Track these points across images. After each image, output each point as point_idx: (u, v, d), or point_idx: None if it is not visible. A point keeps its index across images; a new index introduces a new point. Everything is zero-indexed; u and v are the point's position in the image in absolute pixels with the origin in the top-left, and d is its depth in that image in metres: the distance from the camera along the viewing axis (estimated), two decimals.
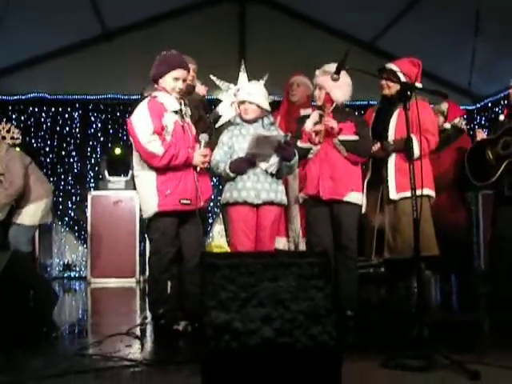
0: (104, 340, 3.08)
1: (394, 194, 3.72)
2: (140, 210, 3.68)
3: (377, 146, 3.77)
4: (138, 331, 3.34)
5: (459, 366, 2.28)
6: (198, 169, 3.37)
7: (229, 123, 3.85)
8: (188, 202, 3.30)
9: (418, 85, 3.76)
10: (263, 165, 3.47)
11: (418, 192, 3.63)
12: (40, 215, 5.10)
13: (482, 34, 6.26)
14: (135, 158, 3.37)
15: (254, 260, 1.86)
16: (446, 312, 4.26)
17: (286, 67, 5.16)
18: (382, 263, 4.61)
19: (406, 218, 3.52)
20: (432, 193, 3.82)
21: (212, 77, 4.23)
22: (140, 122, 3.23)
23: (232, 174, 3.46)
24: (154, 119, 3.22)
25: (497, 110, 7.49)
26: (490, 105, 7.72)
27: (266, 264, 1.84)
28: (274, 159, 3.48)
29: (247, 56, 7.34)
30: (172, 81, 3.35)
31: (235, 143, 3.55)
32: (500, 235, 4.40)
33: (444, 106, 4.96)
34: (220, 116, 4.29)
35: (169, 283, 3.39)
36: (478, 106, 7.91)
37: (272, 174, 3.52)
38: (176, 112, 3.35)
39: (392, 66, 3.75)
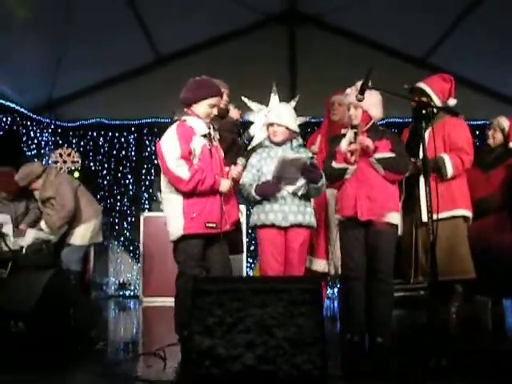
0: (129, 359, 3.13)
1: (425, 217, 3.57)
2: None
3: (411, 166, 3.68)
4: (163, 352, 3.36)
5: None
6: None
7: (260, 145, 3.87)
8: (213, 225, 3.33)
9: (452, 101, 3.67)
10: (289, 188, 3.46)
11: (452, 213, 3.57)
12: (89, 235, 5.32)
13: None
14: (163, 181, 3.44)
15: (244, 285, 1.85)
16: (485, 340, 4.03)
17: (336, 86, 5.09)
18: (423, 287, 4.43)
19: (440, 241, 3.40)
20: (468, 213, 3.70)
21: (244, 98, 4.26)
22: (168, 146, 3.30)
23: (258, 198, 3.48)
24: (182, 143, 3.29)
25: None
26: None
27: (256, 289, 1.82)
28: (301, 182, 3.46)
29: (298, 78, 7.39)
30: (207, 107, 3.41)
31: (264, 166, 3.56)
32: None
33: (505, 123, 4.63)
34: (252, 137, 4.32)
35: None
36: None
37: (300, 197, 3.50)
38: (204, 136, 3.41)
39: (422, 85, 3.72)
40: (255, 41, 7.27)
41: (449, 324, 3.60)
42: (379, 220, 3.53)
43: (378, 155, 3.55)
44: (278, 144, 3.60)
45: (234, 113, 4.11)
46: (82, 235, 5.29)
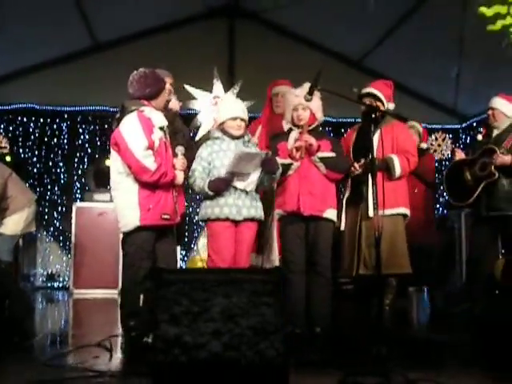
0: (74, 351, 3.09)
1: (372, 212, 3.73)
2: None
3: (359, 165, 3.81)
4: (108, 343, 3.35)
5: None
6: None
7: (208, 134, 3.87)
8: (168, 216, 3.36)
9: (391, 105, 3.88)
10: (240, 184, 3.51)
11: (395, 211, 3.76)
12: (22, 225, 5.11)
13: (467, 55, 6.36)
14: (115, 170, 3.39)
15: (208, 276, 1.90)
16: (415, 329, 4.30)
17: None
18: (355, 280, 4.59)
19: (384, 236, 3.55)
20: (407, 211, 3.88)
21: (186, 86, 4.21)
22: (133, 135, 3.26)
23: (210, 193, 3.50)
24: (147, 134, 3.27)
25: (481, 129, 7.59)
26: (475, 124, 7.83)
27: (220, 280, 1.88)
28: (253, 178, 3.52)
29: (236, 71, 7.46)
30: (164, 99, 3.49)
31: (215, 159, 3.57)
32: (476, 254, 4.47)
33: (419, 127, 5.07)
34: (199, 126, 4.30)
35: (141, 296, 3.41)
36: (464, 125, 8.02)
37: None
38: (161, 128, 3.40)
39: (373, 89, 3.91)
40: (195, 32, 7.26)
41: (383, 315, 3.77)
42: (319, 215, 3.68)
43: (320, 154, 3.69)
44: (233, 137, 3.64)
45: (174, 104, 4.05)
46: (14, 224, 5.06)
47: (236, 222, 3.54)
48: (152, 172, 3.24)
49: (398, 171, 3.76)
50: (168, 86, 3.82)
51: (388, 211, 3.64)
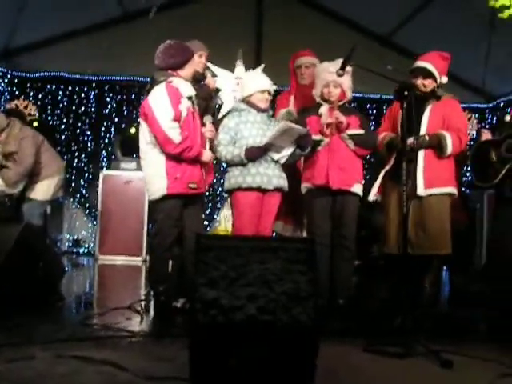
0: (107, 312, 3.24)
1: (421, 190, 3.63)
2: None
3: (410, 140, 3.54)
4: (139, 306, 3.49)
5: (435, 354, 2.41)
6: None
7: (230, 112, 3.93)
8: (195, 186, 3.43)
9: (444, 79, 3.75)
10: (275, 155, 3.60)
11: (443, 190, 3.67)
12: (52, 191, 5.28)
13: (496, 34, 6.27)
14: (143, 140, 3.47)
15: (245, 243, 1.99)
16: (438, 306, 4.37)
17: None
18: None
19: (433, 215, 3.60)
20: (455, 191, 3.78)
21: (209, 64, 4.21)
22: (161, 107, 3.33)
23: (246, 161, 3.57)
24: (174, 105, 3.34)
25: (509, 110, 7.52)
26: (502, 105, 7.75)
27: (256, 247, 1.97)
28: (287, 151, 3.60)
29: (263, 45, 7.46)
30: (191, 69, 3.53)
31: (243, 130, 3.65)
32: (499, 235, 4.49)
33: None
34: (221, 104, 4.33)
35: (170, 262, 3.53)
36: (491, 105, 7.94)
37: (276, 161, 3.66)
38: (189, 98, 3.47)
39: (425, 63, 3.72)
40: (221, 4, 7.24)
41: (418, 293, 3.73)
42: (347, 189, 3.74)
43: (349, 131, 3.74)
44: (258, 110, 3.70)
45: (210, 80, 4.06)
46: (44, 190, 5.22)
47: (264, 192, 3.63)
48: (176, 144, 3.31)
49: (449, 149, 3.60)
50: (198, 58, 3.87)
51: (436, 190, 3.62)
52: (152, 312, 3.46)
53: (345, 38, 6.77)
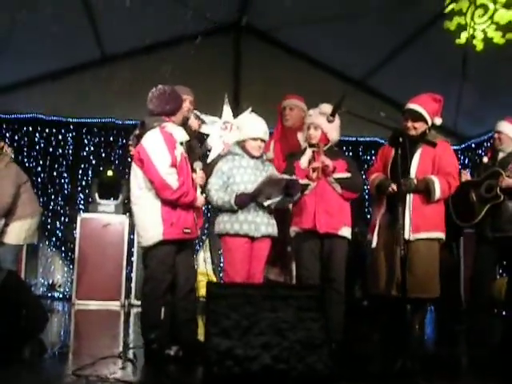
0: (97, 362, 3.13)
1: (408, 235, 3.62)
2: (133, 235, 3.72)
3: (395, 186, 3.68)
4: (130, 355, 3.39)
5: None
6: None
7: (219, 157, 3.95)
8: (189, 231, 3.42)
9: (438, 121, 3.80)
10: (265, 202, 3.61)
11: (431, 235, 3.69)
12: (24, 235, 5.05)
13: (468, 79, 6.53)
14: (136, 185, 3.43)
15: (254, 291, 1.98)
16: (428, 345, 4.38)
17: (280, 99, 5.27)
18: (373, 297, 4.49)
19: (420, 260, 3.60)
20: (443, 236, 3.80)
21: (196, 112, 4.26)
22: (158, 152, 3.32)
23: (236, 207, 3.58)
24: (170, 151, 3.34)
25: (480, 151, 7.77)
26: (473, 146, 8.00)
27: (266, 295, 1.96)
28: (276, 198, 3.62)
29: (241, 87, 7.57)
30: (184, 112, 3.61)
31: (236, 175, 3.67)
32: (480, 273, 4.56)
33: None
34: (209, 150, 4.35)
35: (162, 309, 3.46)
36: (463, 146, 8.18)
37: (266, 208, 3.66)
38: (181, 143, 3.48)
39: (415, 106, 3.77)
40: (201, 48, 7.34)
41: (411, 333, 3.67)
42: (335, 233, 3.77)
43: (336, 175, 3.79)
44: (251, 156, 3.74)
45: (193, 123, 4.06)
46: (17, 233, 5.02)
47: (253, 239, 3.63)
48: (173, 190, 3.30)
49: (437, 194, 3.63)
50: (187, 103, 3.90)
51: (424, 235, 3.64)
52: (144, 361, 3.36)
53: (319, 82, 6.99)
